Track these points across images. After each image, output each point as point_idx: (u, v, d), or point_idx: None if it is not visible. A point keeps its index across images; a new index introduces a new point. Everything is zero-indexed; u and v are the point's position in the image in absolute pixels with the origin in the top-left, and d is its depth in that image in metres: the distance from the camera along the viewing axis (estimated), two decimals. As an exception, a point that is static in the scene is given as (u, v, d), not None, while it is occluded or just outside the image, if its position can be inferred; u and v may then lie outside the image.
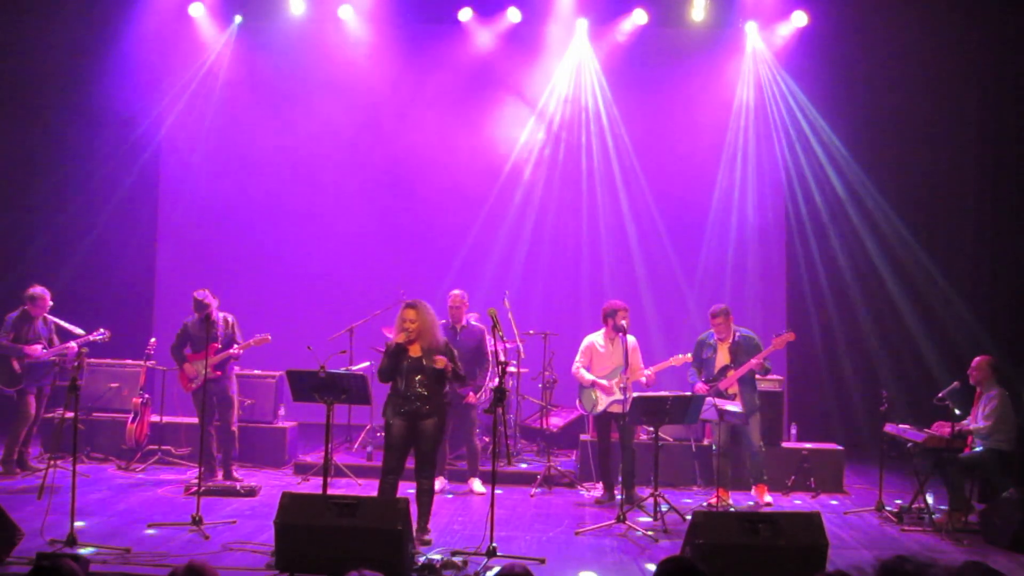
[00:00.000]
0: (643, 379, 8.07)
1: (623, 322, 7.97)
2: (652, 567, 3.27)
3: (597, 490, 8.37)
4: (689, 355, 8.18)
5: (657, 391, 7.82)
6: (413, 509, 6.11)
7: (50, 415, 8.98)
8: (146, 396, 9.11)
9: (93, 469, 8.82)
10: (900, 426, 7.94)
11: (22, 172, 11.49)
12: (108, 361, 9.71)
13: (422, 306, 6.65)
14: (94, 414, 9.35)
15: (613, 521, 7.18)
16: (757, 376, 8.30)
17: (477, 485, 8.37)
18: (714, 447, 8.26)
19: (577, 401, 8.42)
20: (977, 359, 7.83)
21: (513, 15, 11.51)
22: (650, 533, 6.99)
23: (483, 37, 11.66)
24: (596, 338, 8.31)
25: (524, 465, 9.27)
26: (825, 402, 11.15)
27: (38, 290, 8.67)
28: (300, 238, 11.87)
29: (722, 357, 8.24)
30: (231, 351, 8.46)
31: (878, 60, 11.09)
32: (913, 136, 11.13)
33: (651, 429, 7.83)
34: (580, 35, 11.69)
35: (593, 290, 11.34)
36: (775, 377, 8.94)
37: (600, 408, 8.12)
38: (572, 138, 11.76)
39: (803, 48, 11.39)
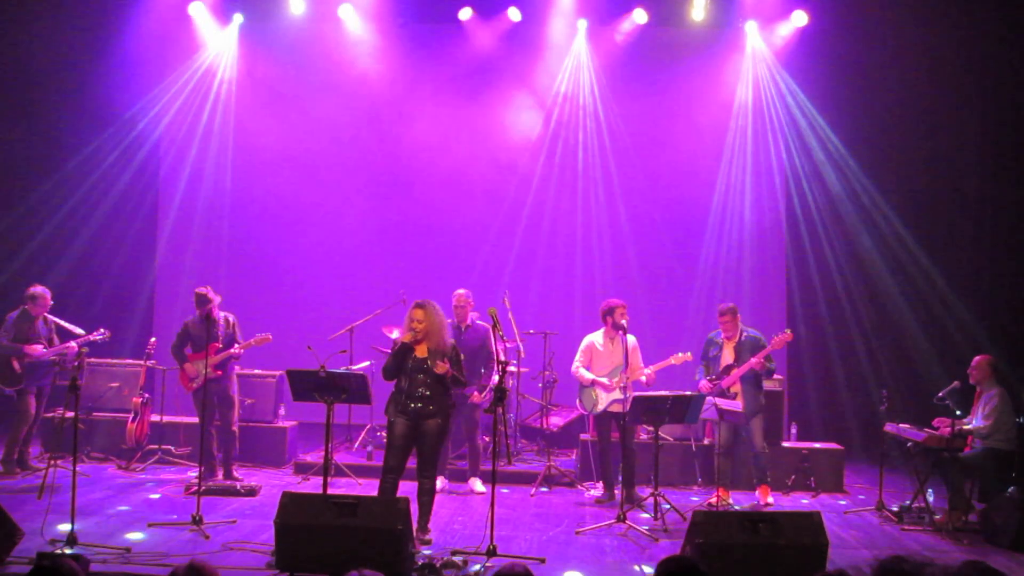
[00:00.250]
0: (643, 378, 8.07)
1: (623, 320, 7.98)
2: (652, 567, 3.27)
3: (597, 489, 8.37)
4: (689, 354, 8.18)
5: (657, 390, 7.82)
6: (413, 508, 6.11)
7: (50, 415, 8.98)
8: (146, 396, 9.11)
9: (93, 469, 8.82)
10: (900, 426, 7.94)
11: (21, 171, 11.48)
12: (108, 361, 9.71)
13: (431, 307, 6.62)
14: (94, 414, 9.35)
15: (613, 520, 7.18)
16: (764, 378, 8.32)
17: (477, 484, 8.37)
18: (716, 446, 8.27)
19: (577, 401, 8.42)
20: (977, 358, 7.84)
21: (513, 15, 11.50)
22: (650, 532, 6.99)
23: (483, 37, 11.66)
24: (596, 338, 8.31)
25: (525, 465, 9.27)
26: (825, 402, 11.15)
27: (38, 289, 8.67)
28: (300, 237, 11.86)
29: (727, 355, 8.26)
30: (232, 350, 8.46)
31: (878, 60, 11.08)
32: (913, 136, 11.13)
33: (651, 428, 7.83)
34: (580, 34, 11.68)
35: (593, 290, 11.33)
36: (775, 377, 8.94)
37: (600, 408, 8.12)
38: (572, 137, 11.75)
39: (803, 48, 11.39)
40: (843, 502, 8.46)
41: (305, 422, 9.77)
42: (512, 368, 9.20)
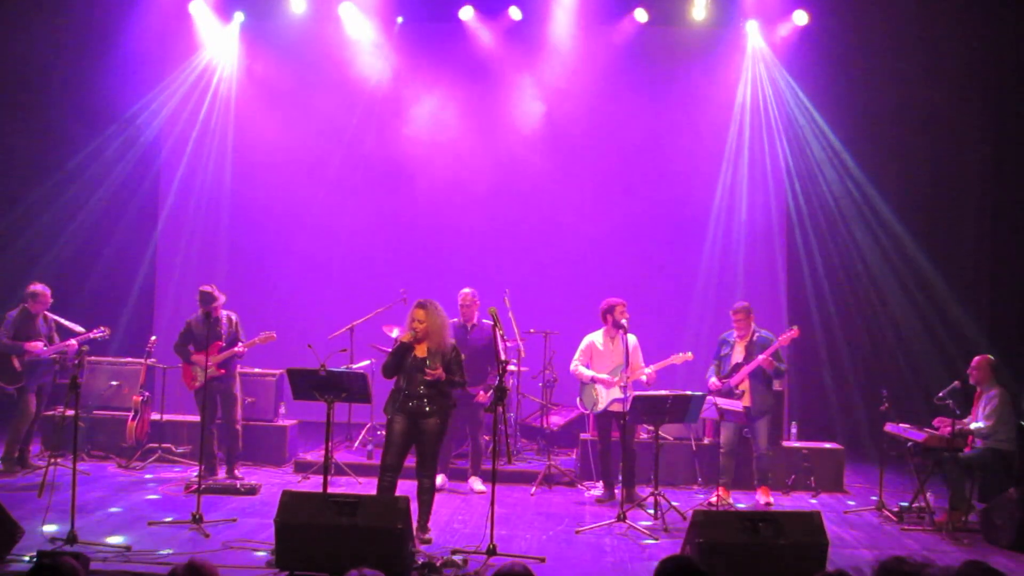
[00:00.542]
0: (643, 378, 8.07)
1: (623, 319, 7.98)
2: (652, 566, 3.26)
3: (597, 489, 8.37)
4: (690, 354, 8.18)
5: (657, 390, 7.83)
6: (413, 507, 6.11)
7: (50, 413, 8.97)
8: (146, 394, 9.11)
9: (93, 467, 8.81)
10: (900, 425, 7.94)
11: (21, 170, 11.49)
12: (108, 359, 9.71)
13: (432, 307, 6.62)
14: (94, 412, 9.33)
15: (613, 520, 7.18)
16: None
17: (477, 484, 8.37)
18: (721, 445, 8.27)
19: (578, 400, 8.42)
20: (977, 359, 7.83)
21: (514, 13, 11.50)
22: (650, 532, 6.99)
23: (484, 35, 11.66)
24: (596, 337, 8.31)
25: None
26: (825, 402, 11.15)
27: (38, 287, 8.66)
28: (300, 235, 11.87)
29: (737, 354, 8.28)
30: (236, 349, 8.46)
31: (878, 59, 11.07)
32: (914, 135, 11.13)
33: (651, 428, 7.84)
34: (581, 34, 11.66)
35: (593, 289, 11.26)
36: (775, 376, 8.94)
37: (601, 407, 8.12)
38: (572, 137, 11.74)
39: (804, 47, 11.38)
40: (848, 502, 8.45)
41: (305, 421, 9.77)
42: (512, 367, 9.20)
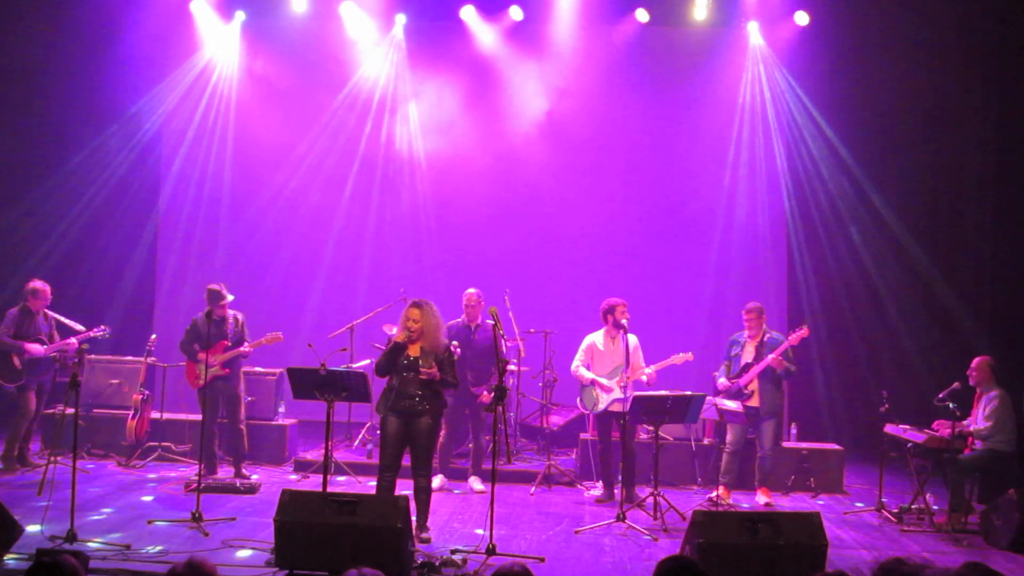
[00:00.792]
0: (644, 378, 8.07)
1: (623, 319, 7.98)
2: (652, 566, 3.25)
3: (597, 489, 8.36)
4: (690, 354, 8.18)
5: (658, 390, 7.83)
6: (412, 507, 6.11)
7: (50, 411, 8.97)
8: (146, 392, 9.11)
9: (93, 465, 8.82)
10: (900, 426, 7.95)
11: (22, 168, 11.48)
12: (109, 357, 9.71)
13: (427, 307, 6.62)
14: (94, 410, 9.34)
15: (613, 520, 7.18)
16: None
17: (477, 483, 8.37)
18: (727, 444, 8.28)
19: (578, 400, 8.42)
20: (977, 360, 7.84)
21: (515, 13, 11.50)
22: (650, 532, 6.99)
23: (485, 35, 11.65)
24: (597, 337, 8.31)
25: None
26: (825, 402, 11.15)
27: (39, 284, 8.66)
28: (301, 235, 11.87)
29: (748, 355, 8.29)
30: (241, 349, 8.45)
31: (880, 60, 11.06)
32: (914, 136, 11.13)
33: (651, 428, 7.84)
34: (581, 33, 11.66)
35: (594, 289, 11.26)
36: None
37: (601, 407, 8.12)
38: (573, 136, 11.74)
39: (805, 48, 11.37)
40: (855, 504, 8.45)
41: (305, 420, 9.77)
42: (512, 367, 9.20)
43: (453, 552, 6.13)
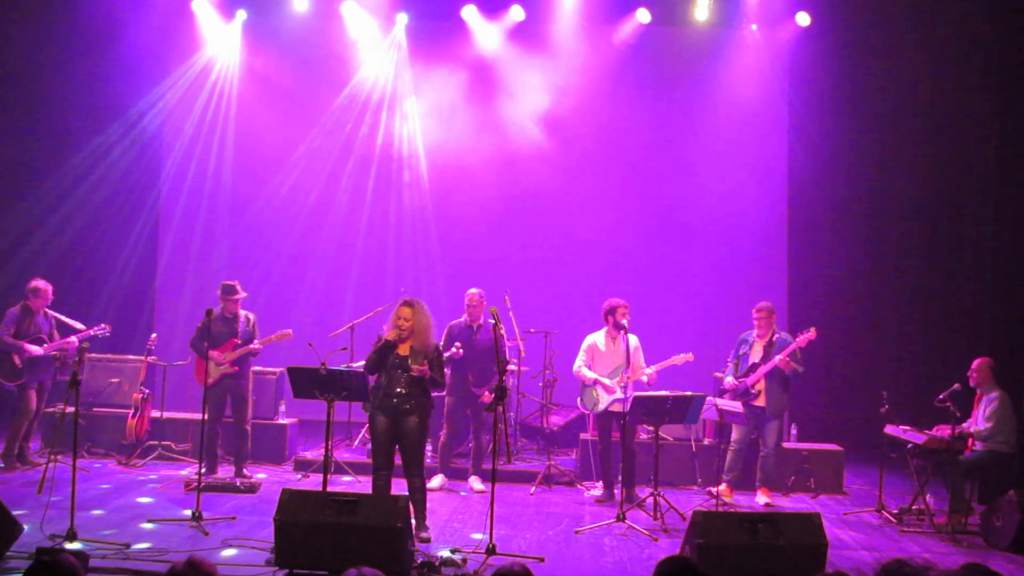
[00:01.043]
0: (644, 378, 8.07)
1: (624, 320, 7.98)
2: (651, 566, 3.25)
3: (597, 489, 8.36)
4: (691, 354, 8.18)
5: (658, 390, 7.82)
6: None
7: (51, 410, 8.97)
8: (147, 391, 9.11)
9: (93, 464, 8.82)
10: (900, 427, 7.94)
11: (23, 167, 11.48)
12: (109, 356, 9.71)
13: (419, 306, 6.65)
14: (95, 409, 9.33)
15: (613, 520, 7.18)
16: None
17: (477, 483, 8.37)
18: (732, 443, 8.28)
19: (578, 400, 8.42)
20: (977, 361, 7.83)
21: (516, 13, 11.49)
22: (650, 532, 6.99)
23: (486, 34, 11.65)
24: (598, 337, 8.30)
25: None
26: (825, 403, 11.14)
27: (40, 283, 8.66)
28: (302, 234, 11.87)
29: (755, 354, 8.29)
30: (251, 346, 8.44)
31: (880, 61, 11.06)
32: (915, 137, 11.12)
33: (651, 428, 7.83)
34: (583, 33, 11.66)
35: (594, 289, 11.28)
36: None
37: (602, 407, 8.12)
38: (574, 136, 11.74)
39: (806, 48, 11.37)
40: (841, 503, 8.45)
41: (305, 419, 9.78)
42: (513, 367, 9.20)
43: (453, 551, 6.13)
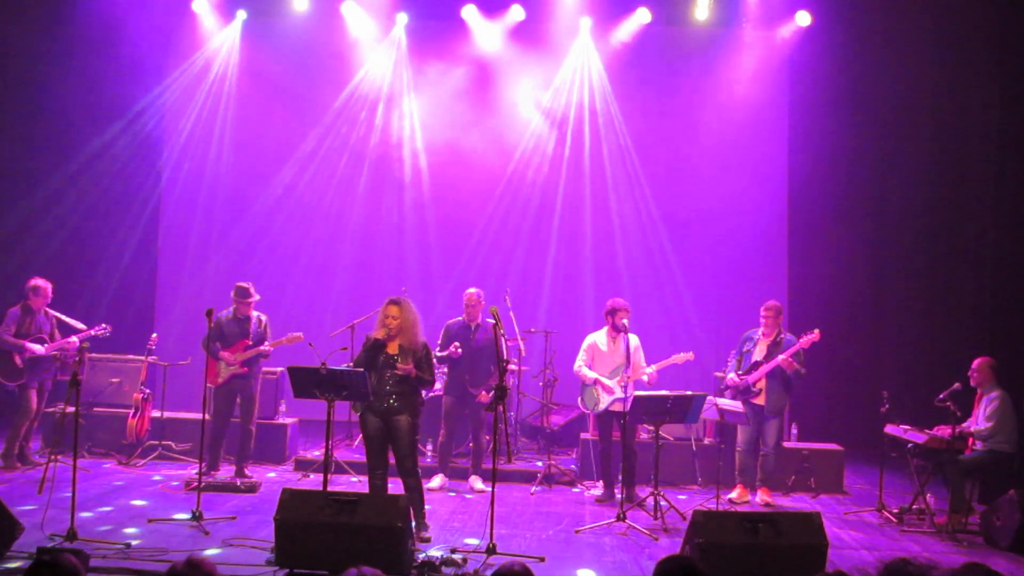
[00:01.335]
0: (645, 378, 8.07)
1: (623, 322, 7.98)
2: (652, 566, 3.25)
3: (597, 488, 8.36)
4: (691, 354, 8.19)
5: (658, 390, 7.82)
6: (411, 507, 6.11)
7: (51, 410, 8.97)
8: (147, 391, 9.11)
9: (93, 464, 8.82)
10: (901, 427, 7.94)
11: (23, 166, 11.49)
12: (109, 356, 9.70)
13: (406, 304, 6.69)
14: (95, 409, 9.33)
15: (613, 520, 7.18)
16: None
17: (477, 482, 8.37)
18: (739, 444, 8.30)
19: (579, 399, 8.42)
20: (977, 361, 7.83)
21: (517, 13, 11.49)
22: (650, 532, 6.99)
23: (487, 34, 11.65)
24: (598, 337, 8.30)
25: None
26: (825, 402, 11.14)
27: (40, 282, 8.66)
28: (302, 233, 11.87)
29: (759, 352, 8.30)
30: (262, 348, 8.45)
31: (881, 60, 11.06)
32: (916, 136, 11.12)
33: (652, 428, 7.83)
34: (584, 33, 11.67)
35: (594, 289, 11.32)
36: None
37: (602, 407, 8.12)
38: (575, 136, 11.74)
39: (806, 48, 11.37)
40: (841, 503, 8.44)
41: (306, 419, 9.77)
42: (513, 367, 9.20)
43: (453, 551, 6.13)
